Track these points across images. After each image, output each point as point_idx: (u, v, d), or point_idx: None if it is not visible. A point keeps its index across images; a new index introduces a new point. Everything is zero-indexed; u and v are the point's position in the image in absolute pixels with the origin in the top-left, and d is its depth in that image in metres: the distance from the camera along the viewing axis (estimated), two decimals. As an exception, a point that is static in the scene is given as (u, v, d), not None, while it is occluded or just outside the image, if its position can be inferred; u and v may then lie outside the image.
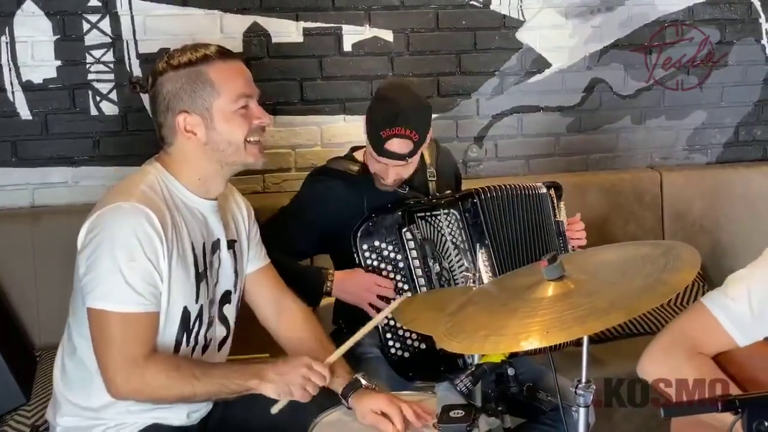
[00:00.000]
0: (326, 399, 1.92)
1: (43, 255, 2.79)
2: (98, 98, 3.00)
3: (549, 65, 3.42)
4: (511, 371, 1.77)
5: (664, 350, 1.82)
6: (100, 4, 2.95)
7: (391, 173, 2.34)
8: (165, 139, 1.92)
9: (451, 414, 1.65)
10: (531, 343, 1.42)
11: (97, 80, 2.99)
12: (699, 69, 3.58)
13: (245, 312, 2.15)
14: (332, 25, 3.17)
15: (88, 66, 2.97)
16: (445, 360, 2.23)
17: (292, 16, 3.12)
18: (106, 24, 2.96)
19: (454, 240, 2.33)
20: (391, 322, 2.31)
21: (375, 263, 2.33)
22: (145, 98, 1.99)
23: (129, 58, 3.00)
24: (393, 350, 2.33)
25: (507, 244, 2.36)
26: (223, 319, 2.02)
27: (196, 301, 1.90)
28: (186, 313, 1.88)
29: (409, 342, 2.32)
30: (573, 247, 2.50)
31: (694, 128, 3.65)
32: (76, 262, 1.85)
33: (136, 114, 3.00)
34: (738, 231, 3.45)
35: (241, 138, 1.89)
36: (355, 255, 2.33)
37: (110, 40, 2.98)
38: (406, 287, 2.32)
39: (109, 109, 3.01)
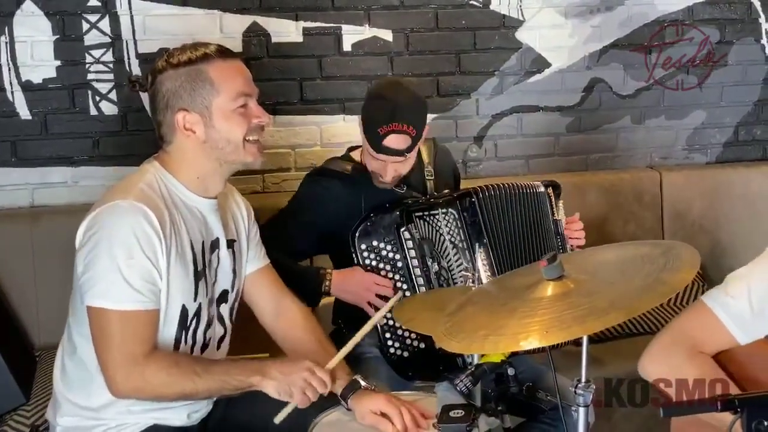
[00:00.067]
0: (326, 400, 1.92)
1: (43, 255, 2.79)
2: (98, 98, 3.00)
3: (549, 65, 3.42)
4: (510, 371, 1.77)
5: (664, 349, 1.82)
6: (99, 4, 2.95)
7: (390, 170, 2.34)
8: (164, 137, 1.92)
9: (451, 414, 1.65)
10: (530, 342, 1.42)
11: (97, 80, 2.99)
12: (699, 69, 3.58)
13: (245, 312, 2.15)
14: (332, 24, 3.17)
15: (87, 66, 2.97)
16: (444, 359, 2.23)
17: (291, 16, 3.13)
18: (105, 24, 2.96)
19: (453, 239, 2.33)
20: (390, 322, 2.31)
21: (373, 263, 2.33)
22: (145, 98, 1.99)
23: (128, 58, 3.00)
24: (392, 350, 2.32)
25: (505, 243, 2.36)
26: (220, 319, 2.02)
27: (195, 300, 1.90)
28: (184, 311, 1.88)
29: (408, 342, 2.32)
30: (572, 246, 2.50)
31: (694, 128, 3.65)
32: (74, 260, 1.85)
33: (136, 114, 3.00)
34: (738, 231, 3.45)
35: (240, 137, 1.89)
36: (354, 255, 2.33)
37: (110, 40, 2.98)
38: (404, 287, 2.32)
39: (108, 109, 3.01)
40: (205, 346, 1.98)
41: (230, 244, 2.02)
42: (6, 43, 2.90)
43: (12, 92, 2.93)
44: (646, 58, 3.51)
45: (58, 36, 2.93)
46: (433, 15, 3.27)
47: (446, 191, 2.45)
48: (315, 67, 3.18)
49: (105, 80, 2.99)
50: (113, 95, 3.00)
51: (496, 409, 1.74)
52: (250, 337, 2.14)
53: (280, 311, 2.15)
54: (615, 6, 3.44)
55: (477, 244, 2.32)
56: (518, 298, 1.57)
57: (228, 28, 3.07)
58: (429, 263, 2.31)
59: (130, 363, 1.78)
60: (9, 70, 2.92)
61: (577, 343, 1.57)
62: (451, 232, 2.33)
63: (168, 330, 1.87)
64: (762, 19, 3.61)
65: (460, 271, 2.31)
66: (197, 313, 1.92)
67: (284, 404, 1.85)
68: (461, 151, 3.38)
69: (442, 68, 3.31)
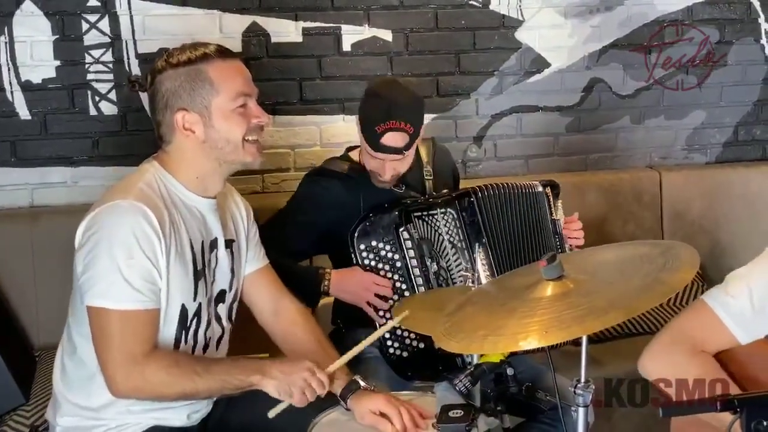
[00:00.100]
0: (324, 400, 1.92)
1: (43, 255, 2.79)
2: (97, 98, 3.00)
3: (548, 65, 3.42)
4: (510, 371, 1.76)
5: (665, 348, 1.82)
6: (99, 3, 2.95)
7: (388, 169, 2.34)
8: (163, 137, 1.92)
9: (450, 414, 1.65)
10: (530, 342, 1.42)
11: (96, 80, 2.99)
12: (698, 69, 3.58)
13: (245, 312, 2.15)
14: (331, 24, 3.17)
15: (87, 66, 2.97)
16: (443, 359, 2.23)
17: (291, 16, 3.13)
18: (105, 24, 2.96)
19: (452, 239, 2.33)
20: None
21: (372, 263, 2.34)
22: (144, 98, 2.00)
23: (128, 58, 3.00)
24: (392, 350, 2.33)
25: (504, 242, 2.36)
26: (218, 319, 2.02)
27: (194, 299, 1.91)
28: (184, 311, 1.89)
29: (407, 341, 2.32)
30: (571, 246, 2.50)
31: (694, 128, 3.65)
32: (74, 260, 1.85)
33: (136, 114, 3.00)
34: (737, 231, 3.45)
35: (240, 136, 1.89)
36: (353, 255, 2.33)
37: (109, 40, 2.98)
38: (403, 287, 2.32)
39: (108, 109, 3.01)
40: (206, 347, 1.98)
41: (228, 244, 2.02)
42: (5, 43, 2.90)
43: (11, 92, 2.93)
44: (646, 58, 3.51)
45: (57, 36, 2.93)
46: (432, 15, 3.27)
47: (445, 191, 2.45)
48: (314, 67, 3.18)
49: (104, 80, 2.99)
50: (113, 95, 3.00)
51: (496, 409, 1.74)
52: (249, 337, 2.14)
53: (279, 311, 2.15)
54: (614, 6, 3.44)
55: (476, 244, 2.32)
56: (517, 298, 1.57)
57: (227, 28, 3.07)
58: (428, 263, 2.31)
59: (130, 362, 1.78)
60: (8, 70, 2.92)
61: (577, 343, 1.57)
62: (449, 232, 2.34)
63: (168, 329, 1.88)
64: (761, 19, 3.61)
65: (459, 271, 2.32)
66: (197, 313, 1.92)
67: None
68: (461, 151, 3.38)
69: (442, 68, 3.31)
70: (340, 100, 3.20)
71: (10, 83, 2.92)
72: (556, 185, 2.52)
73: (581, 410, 1.58)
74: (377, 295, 2.31)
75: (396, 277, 2.33)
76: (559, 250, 2.44)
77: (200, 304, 1.93)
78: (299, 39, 3.15)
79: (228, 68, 1.89)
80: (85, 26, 2.95)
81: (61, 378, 1.97)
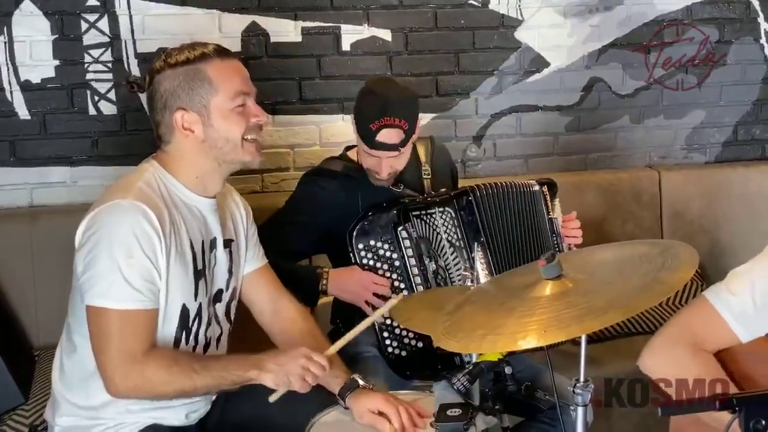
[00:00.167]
0: (324, 399, 1.92)
1: (42, 255, 2.79)
2: (97, 98, 3.00)
3: (547, 64, 3.42)
4: (508, 370, 1.77)
5: (666, 344, 1.82)
6: (98, 3, 2.95)
7: (385, 166, 2.34)
8: (162, 137, 1.92)
9: (449, 412, 1.65)
10: (529, 342, 1.42)
11: (96, 80, 2.99)
12: (698, 68, 3.58)
13: (244, 311, 2.15)
14: (331, 24, 3.17)
15: (86, 65, 2.97)
16: (442, 358, 2.23)
17: (290, 16, 3.13)
18: (104, 23, 2.96)
19: (450, 238, 2.34)
20: (388, 321, 2.31)
21: (371, 262, 2.34)
22: (143, 97, 1.99)
23: (127, 58, 3.00)
24: (390, 349, 2.33)
25: (502, 241, 2.36)
26: (216, 318, 2.02)
27: (195, 299, 1.91)
28: (185, 310, 1.89)
29: (406, 341, 2.32)
30: (569, 245, 2.50)
31: (693, 127, 3.65)
32: (74, 260, 1.85)
33: (135, 114, 3.00)
34: (736, 230, 3.45)
35: (239, 135, 1.89)
36: (351, 254, 2.33)
37: (108, 40, 2.98)
38: (402, 286, 2.33)
39: (107, 108, 3.01)
40: (207, 346, 1.98)
41: (227, 243, 2.02)
42: (5, 42, 2.90)
43: (11, 92, 2.93)
44: (646, 57, 3.51)
45: (56, 36, 2.93)
46: (432, 14, 3.27)
47: (443, 190, 2.45)
48: (314, 67, 3.18)
49: (104, 80, 2.99)
50: (112, 95, 3.00)
51: (494, 408, 1.74)
52: (248, 337, 2.14)
53: (278, 311, 2.15)
54: (614, 5, 3.44)
55: (474, 243, 2.32)
56: (516, 298, 1.57)
57: (227, 28, 3.07)
58: (426, 262, 2.32)
59: (129, 362, 1.78)
60: (8, 69, 2.91)
61: (575, 342, 1.57)
62: (448, 231, 2.34)
63: (168, 329, 1.88)
64: (761, 19, 3.61)
65: (458, 270, 2.32)
66: (198, 313, 1.92)
67: (282, 403, 1.85)
68: (460, 150, 3.38)
69: (441, 68, 3.31)
70: (340, 100, 3.20)
71: (10, 83, 2.92)
72: (553, 184, 2.52)
73: (580, 409, 1.58)
74: (376, 295, 2.31)
75: (394, 276, 2.33)
76: (557, 249, 2.45)
77: (201, 304, 1.93)
78: (298, 39, 3.15)
79: (226, 67, 1.89)
80: (84, 26, 2.95)
81: (59, 378, 1.97)
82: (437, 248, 2.33)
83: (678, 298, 3.17)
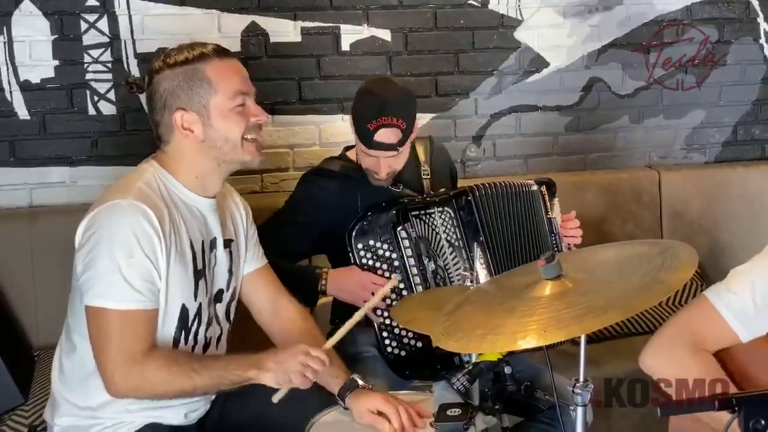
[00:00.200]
0: (323, 399, 1.92)
1: (41, 255, 2.78)
2: (96, 98, 3.00)
3: (547, 64, 3.42)
4: (508, 369, 1.77)
5: (666, 343, 1.82)
6: (98, 3, 2.95)
7: (384, 166, 2.34)
8: (162, 137, 1.92)
9: (448, 412, 1.65)
10: (528, 342, 1.42)
11: (95, 80, 2.99)
12: (698, 69, 3.58)
13: (243, 311, 2.15)
14: (330, 24, 3.17)
15: (86, 66, 2.97)
16: (441, 358, 2.23)
17: (290, 16, 3.13)
18: (103, 24, 2.96)
19: (449, 238, 2.34)
20: (388, 321, 2.32)
21: (370, 262, 2.34)
22: (143, 97, 1.99)
23: (127, 58, 3.00)
24: (389, 349, 2.33)
25: (501, 241, 2.37)
26: (216, 318, 2.02)
27: (195, 299, 1.91)
28: (184, 310, 1.89)
29: (405, 340, 2.32)
30: (568, 245, 2.50)
31: (693, 127, 3.65)
32: (73, 260, 1.85)
33: (134, 114, 3.00)
34: (736, 230, 3.45)
35: (238, 135, 1.89)
36: (350, 254, 2.33)
37: (108, 40, 2.98)
38: (401, 286, 2.33)
39: (107, 108, 3.01)
40: (206, 346, 1.98)
41: (227, 243, 2.02)
42: (4, 42, 2.90)
43: (10, 92, 2.93)
44: (646, 58, 3.51)
45: (56, 36, 2.93)
46: (431, 14, 3.27)
47: (442, 190, 2.46)
48: (313, 67, 3.18)
49: (103, 80, 2.99)
50: (111, 95, 3.00)
51: (494, 408, 1.74)
52: (248, 337, 2.14)
53: (277, 311, 2.15)
54: (613, 5, 3.44)
55: (473, 243, 2.32)
56: (516, 297, 1.57)
57: (226, 28, 3.07)
58: (425, 262, 2.32)
59: (129, 362, 1.78)
60: (7, 69, 2.91)
61: (575, 342, 1.57)
62: (447, 231, 2.34)
63: (167, 329, 1.88)
64: (760, 19, 3.61)
65: (457, 270, 2.32)
66: (198, 313, 1.92)
67: (281, 402, 1.85)
68: (460, 150, 3.38)
69: (441, 68, 3.31)
70: (339, 100, 3.20)
71: (9, 83, 2.92)
72: (552, 183, 2.52)
73: (579, 409, 1.58)
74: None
75: (393, 276, 2.33)
76: (556, 249, 2.45)
77: (201, 304, 1.93)
78: (298, 39, 3.15)
79: (226, 67, 1.89)
80: (83, 26, 2.95)
81: (59, 378, 1.97)
82: (436, 248, 2.33)
83: (678, 298, 3.17)
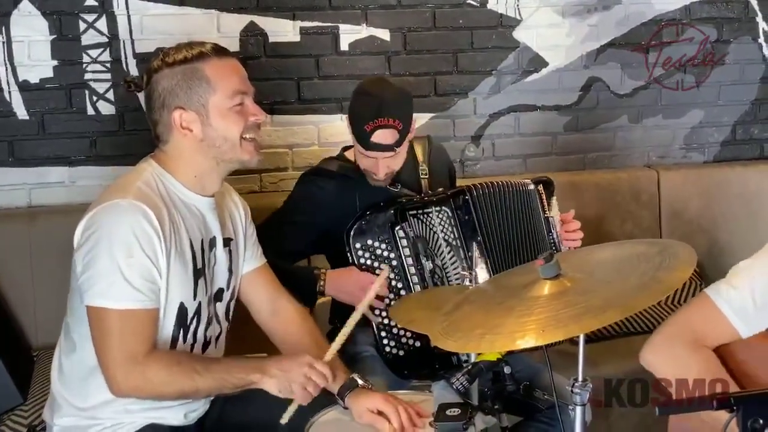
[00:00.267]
0: (323, 399, 1.92)
1: (40, 255, 2.78)
2: (95, 98, 2.99)
3: (546, 64, 3.42)
4: (507, 369, 1.76)
5: (666, 340, 1.82)
6: (96, 3, 2.94)
7: (382, 166, 2.34)
8: (160, 136, 1.92)
9: (448, 412, 1.64)
10: (527, 341, 1.42)
11: (94, 80, 2.98)
12: (697, 68, 3.58)
13: (242, 311, 2.15)
14: (329, 24, 3.17)
15: (84, 66, 2.97)
16: (440, 358, 2.24)
17: (289, 16, 3.13)
18: (102, 23, 2.96)
19: (447, 237, 2.34)
20: (386, 321, 2.31)
21: (368, 262, 2.34)
22: (142, 97, 1.99)
23: (126, 58, 3.00)
24: (388, 348, 2.33)
25: (499, 240, 2.37)
26: (216, 317, 2.02)
27: (194, 298, 1.90)
28: (182, 309, 1.88)
29: (403, 340, 2.32)
30: (568, 248, 2.50)
31: (692, 127, 3.65)
32: (73, 260, 1.85)
33: (133, 113, 3.00)
34: (735, 230, 3.46)
35: (237, 134, 1.89)
36: (349, 254, 2.33)
37: (107, 40, 2.97)
38: (399, 285, 2.33)
39: (105, 108, 3.01)
40: (206, 345, 1.98)
41: (227, 242, 2.02)
42: (3, 42, 2.90)
43: (9, 92, 2.93)
44: (645, 57, 3.51)
45: (55, 36, 2.93)
46: (430, 14, 3.27)
47: (440, 189, 2.46)
48: (312, 67, 3.18)
49: (102, 80, 2.99)
50: (110, 95, 3.00)
51: (493, 408, 1.74)
52: (247, 337, 2.14)
53: (276, 311, 2.15)
54: (612, 5, 3.44)
55: (471, 242, 2.32)
56: (515, 297, 1.57)
57: (225, 28, 3.07)
58: (423, 262, 2.32)
59: (130, 362, 1.78)
60: (6, 69, 2.91)
61: (574, 341, 1.57)
62: (445, 231, 2.34)
63: (165, 328, 1.87)
64: (759, 18, 3.61)
65: (455, 269, 2.32)
66: (197, 312, 1.92)
67: (281, 401, 1.85)
68: (459, 150, 3.38)
69: (440, 67, 3.31)
70: (338, 100, 3.20)
71: (8, 83, 2.92)
72: (549, 182, 2.53)
73: (578, 409, 1.58)
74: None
75: (392, 275, 2.33)
76: (554, 248, 2.45)
77: (200, 303, 1.93)
78: (297, 38, 3.15)
79: (224, 66, 1.89)
80: (82, 26, 2.95)
81: (58, 378, 1.97)
82: (434, 248, 2.33)
83: (676, 297, 3.17)
